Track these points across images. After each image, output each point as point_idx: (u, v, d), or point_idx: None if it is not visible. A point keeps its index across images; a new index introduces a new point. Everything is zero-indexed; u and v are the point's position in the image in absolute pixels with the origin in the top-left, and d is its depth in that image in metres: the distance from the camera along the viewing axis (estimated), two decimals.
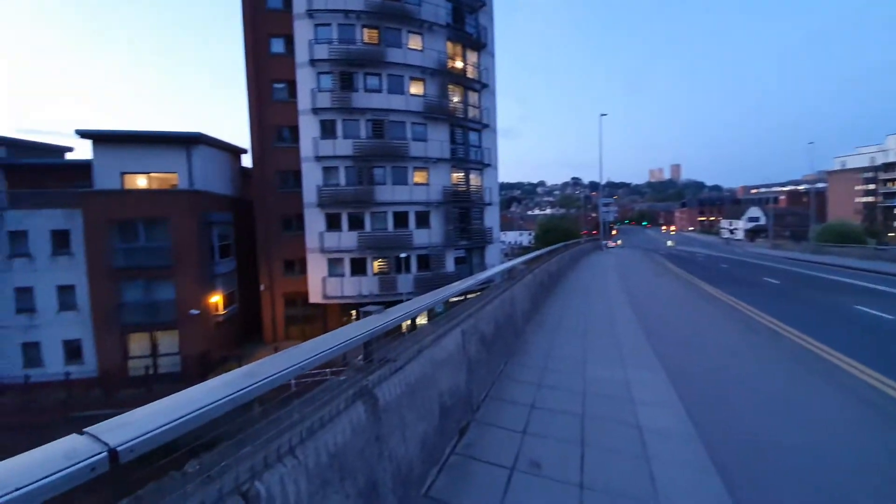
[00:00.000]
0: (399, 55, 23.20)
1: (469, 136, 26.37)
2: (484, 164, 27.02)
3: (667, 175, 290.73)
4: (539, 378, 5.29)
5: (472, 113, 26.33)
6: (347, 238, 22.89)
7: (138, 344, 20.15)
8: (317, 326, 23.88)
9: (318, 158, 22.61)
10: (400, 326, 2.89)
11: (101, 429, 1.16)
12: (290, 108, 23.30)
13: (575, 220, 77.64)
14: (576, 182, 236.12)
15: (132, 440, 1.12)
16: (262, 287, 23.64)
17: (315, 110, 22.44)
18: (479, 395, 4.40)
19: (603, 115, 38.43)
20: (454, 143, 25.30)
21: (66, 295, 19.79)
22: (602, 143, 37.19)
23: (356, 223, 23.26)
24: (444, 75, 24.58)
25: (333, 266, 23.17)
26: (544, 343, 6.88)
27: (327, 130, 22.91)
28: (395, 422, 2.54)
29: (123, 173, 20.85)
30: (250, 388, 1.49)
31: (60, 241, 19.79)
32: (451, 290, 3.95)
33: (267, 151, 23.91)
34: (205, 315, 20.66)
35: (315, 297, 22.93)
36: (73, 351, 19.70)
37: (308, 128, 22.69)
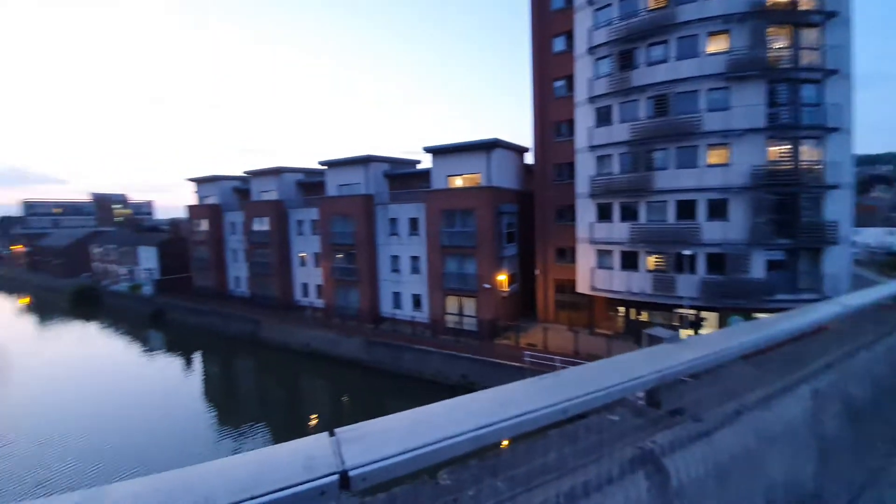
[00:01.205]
0: (693, 10, 19.03)
1: (801, 92, 18.68)
2: (826, 129, 18.49)
3: None
4: None
5: (806, 58, 18.45)
6: (618, 229, 21.60)
7: (452, 304, 26.63)
8: (582, 315, 24.16)
9: (592, 148, 22.12)
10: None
11: (345, 436, 1.09)
12: (568, 102, 23.69)
13: None
14: None
15: (365, 466, 0.99)
16: (536, 271, 25.95)
17: (591, 99, 21.90)
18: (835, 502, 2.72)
19: None
20: (774, 106, 18.68)
21: (415, 262, 28.45)
22: None
23: (629, 214, 21.52)
24: (759, 16, 18.31)
25: (602, 258, 22.54)
26: None
27: (602, 118, 21.95)
28: None
29: (448, 176, 27.36)
30: (503, 425, 1.19)
31: (413, 225, 28.41)
32: (804, 320, 2.45)
33: (546, 146, 25.42)
34: (494, 289, 24.82)
35: (583, 286, 23.16)
36: (416, 302, 28.33)
37: (583, 118, 22.49)
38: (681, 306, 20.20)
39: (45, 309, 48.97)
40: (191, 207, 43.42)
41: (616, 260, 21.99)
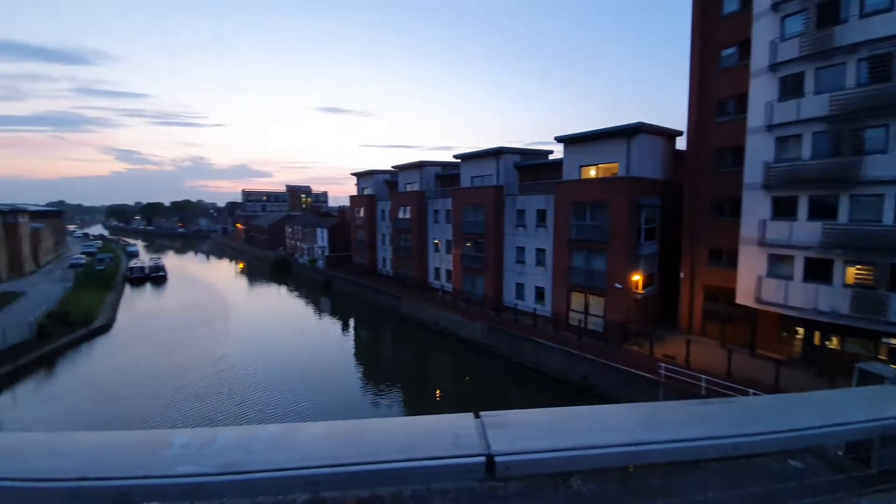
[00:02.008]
0: None
1: None
2: None
3: None
4: None
5: None
6: (805, 229, 16.87)
7: (577, 300, 25.00)
8: (739, 331, 19.91)
9: (771, 127, 17.59)
10: None
11: (490, 421, 1.10)
12: (738, 73, 19.26)
13: None
14: None
15: (510, 455, 1.00)
16: (681, 274, 22.26)
17: (773, 66, 17.30)
18: None
19: None
20: None
21: (540, 255, 27.52)
22: None
23: (822, 210, 16.57)
24: None
25: (777, 264, 18.00)
26: None
27: (789, 89, 17.16)
28: None
29: (581, 166, 25.42)
30: (655, 447, 1.09)
31: (541, 217, 27.42)
32: None
33: (705, 128, 21.26)
34: (626, 290, 22.36)
35: (744, 297, 18.96)
36: (539, 294, 27.45)
37: (761, 91, 17.97)
38: (893, 335, 14.86)
39: (254, 273, 63.58)
40: (352, 197, 50.44)
41: (797, 268, 17.31)
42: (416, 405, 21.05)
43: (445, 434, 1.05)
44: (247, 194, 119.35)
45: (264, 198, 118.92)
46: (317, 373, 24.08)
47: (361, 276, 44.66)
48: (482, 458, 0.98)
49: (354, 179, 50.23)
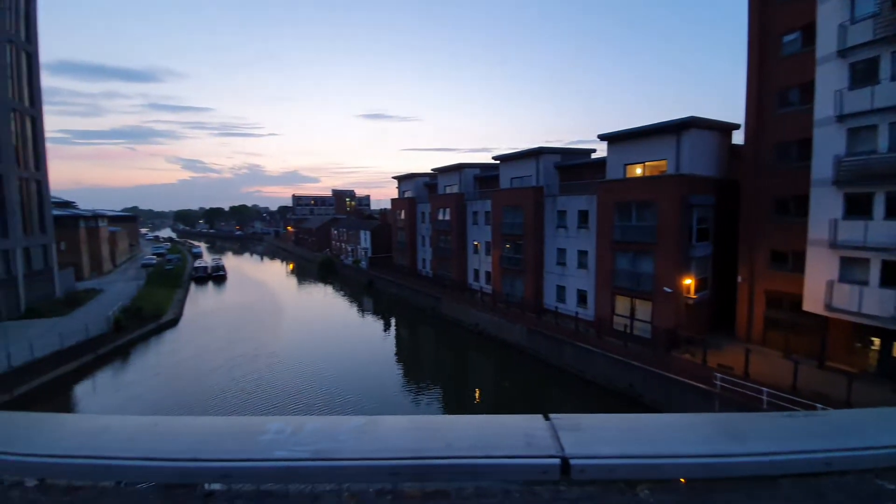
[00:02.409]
0: None
1: None
2: None
3: None
4: None
5: None
6: (882, 229, 15.11)
7: (622, 304, 23.94)
8: (806, 340, 18.17)
9: (842, 118, 15.92)
10: None
11: (561, 423, 1.10)
12: (802, 60, 17.62)
13: None
14: None
15: (585, 459, 0.99)
16: (739, 278, 20.66)
17: (842, 52, 15.65)
18: None
19: None
20: None
21: (582, 257, 26.64)
22: None
23: None
24: None
25: (850, 268, 16.25)
26: None
27: (861, 76, 15.44)
28: None
29: (626, 164, 24.36)
30: (737, 460, 1.01)
31: (582, 218, 26.55)
32: None
33: (765, 121, 19.62)
34: (676, 294, 21.12)
35: (812, 304, 17.28)
36: (581, 297, 26.57)
37: (828, 79, 16.32)
38: None
39: (303, 273, 66.56)
40: (393, 200, 51.50)
41: (874, 272, 15.55)
42: (455, 405, 21.08)
43: (517, 434, 1.07)
44: (296, 199, 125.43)
45: (312, 202, 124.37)
46: (359, 368, 24.78)
47: (402, 277, 45.44)
48: (557, 460, 0.98)
49: (395, 183, 51.26)
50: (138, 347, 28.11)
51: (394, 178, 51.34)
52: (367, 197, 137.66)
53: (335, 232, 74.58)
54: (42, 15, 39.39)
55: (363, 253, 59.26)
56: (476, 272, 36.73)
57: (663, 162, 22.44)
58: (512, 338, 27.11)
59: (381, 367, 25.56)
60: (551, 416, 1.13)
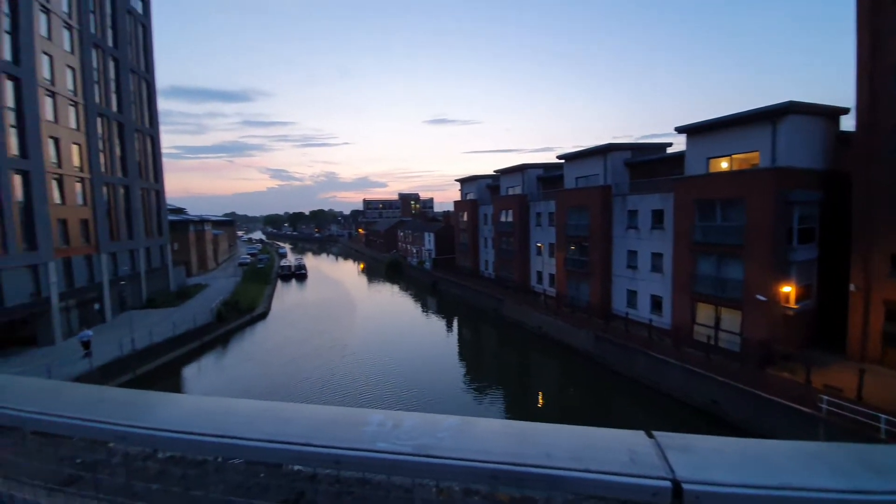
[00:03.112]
0: None
1: None
2: None
3: None
4: None
5: None
6: None
7: (704, 313, 21.56)
8: None
9: None
10: None
11: (668, 442, 1.02)
12: None
13: None
14: None
15: (701, 485, 0.88)
16: (851, 286, 17.46)
17: None
18: None
19: None
20: None
21: (656, 260, 24.48)
22: None
23: None
24: None
25: None
26: None
27: None
28: None
29: (709, 158, 21.92)
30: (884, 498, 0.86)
31: (657, 218, 24.41)
32: None
33: (881, 102, 16.39)
34: (772, 303, 18.52)
35: None
36: (656, 303, 24.39)
37: None
38: None
39: (372, 272, 69.71)
40: (456, 203, 51.87)
41: None
42: (518, 407, 20.53)
43: (619, 449, 1.01)
44: (366, 203, 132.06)
45: (381, 206, 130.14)
46: (423, 365, 25.24)
47: (464, 279, 45.52)
48: (667, 483, 0.90)
49: (458, 185, 51.55)
50: (235, 336, 31.44)
51: (456, 180, 51.70)
52: (431, 200, 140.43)
53: (401, 234, 77.09)
54: (157, 47, 45.15)
55: (427, 254, 60.50)
56: (539, 274, 35.56)
57: (755, 154, 19.83)
58: (577, 343, 25.75)
59: (444, 366, 25.77)
60: (655, 433, 1.07)
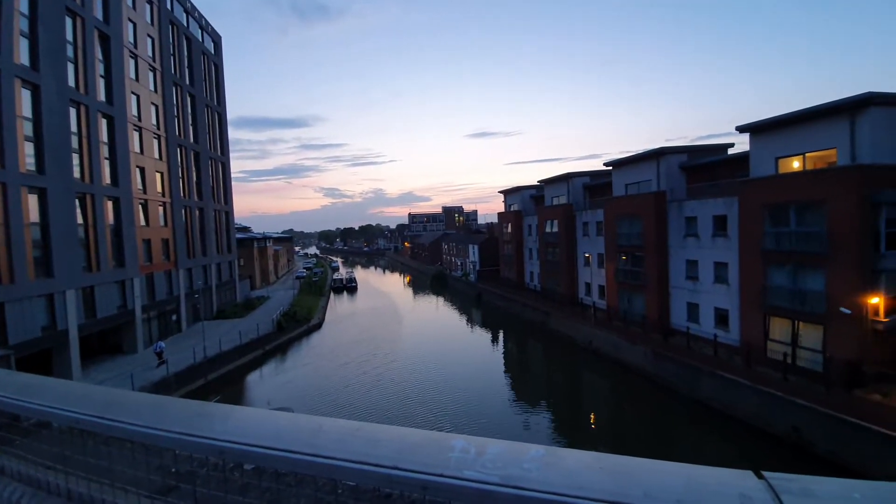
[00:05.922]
0: None
1: None
2: None
3: None
4: None
5: None
6: None
7: (778, 328, 19.24)
8: None
9: None
10: None
11: (783, 485, 0.89)
12: None
13: None
14: None
15: None
16: None
17: None
18: None
19: None
20: None
21: (720, 270, 22.33)
22: None
23: None
24: None
25: None
26: None
27: None
28: None
29: (778, 158, 19.86)
30: None
31: (719, 224, 22.35)
32: None
33: None
34: (858, 316, 16.14)
35: None
36: (721, 318, 22.14)
37: None
38: None
39: (418, 285, 70.42)
40: (500, 214, 51.28)
41: None
42: (569, 428, 19.29)
43: (728, 492, 0.90)
44: (412, 217, 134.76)
45: (425, 219, 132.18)
46: (468, 379, 24.63)
47: (509, 291, 44.52)
48: None
49: (502, 197, 50.99)
50: (293, 345, 32.85)
51: (500, 192, 51.18)
52: (475, 212, 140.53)
53: (445, 246, 77.46)
54: (227, 82, 50.06)
55: (471, 266, 60.11)
56: (588, 286, 33.87)
57: (832, 151, 17.66)
58: (633, 360, 23.94)
59: (490, 380, 25.03)
60: (766, 473, 0.94)
